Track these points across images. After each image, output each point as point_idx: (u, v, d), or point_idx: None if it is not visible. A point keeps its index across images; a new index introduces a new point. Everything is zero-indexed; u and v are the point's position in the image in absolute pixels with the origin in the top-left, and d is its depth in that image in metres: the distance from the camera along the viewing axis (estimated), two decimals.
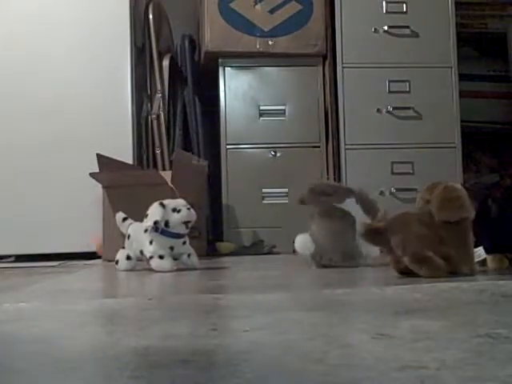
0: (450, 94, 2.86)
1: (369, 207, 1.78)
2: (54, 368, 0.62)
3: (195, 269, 1.79)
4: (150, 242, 1.75)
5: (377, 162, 2.80)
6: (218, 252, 2.67)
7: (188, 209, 1.76)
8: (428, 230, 1.38)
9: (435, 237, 1.38)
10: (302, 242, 1.74)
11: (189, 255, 1.80)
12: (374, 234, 1.44)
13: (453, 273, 1.37)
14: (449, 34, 2.87)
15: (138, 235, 1.79)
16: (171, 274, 1.71)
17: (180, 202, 1.78)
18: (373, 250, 1.76)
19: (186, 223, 1.76)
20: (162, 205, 1.75)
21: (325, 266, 1.75)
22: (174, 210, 1.75)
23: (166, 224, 1.74)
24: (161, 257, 1.74)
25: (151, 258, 1.75)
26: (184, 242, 1.79)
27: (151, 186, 2.12)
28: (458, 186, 1.43)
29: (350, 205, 1.79)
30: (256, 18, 2.86)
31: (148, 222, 1.75)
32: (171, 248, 1.76)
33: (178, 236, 1.77)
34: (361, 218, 1.76)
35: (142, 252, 1.78)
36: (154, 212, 1.74)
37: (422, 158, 2.82)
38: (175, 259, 1.79)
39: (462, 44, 3.09)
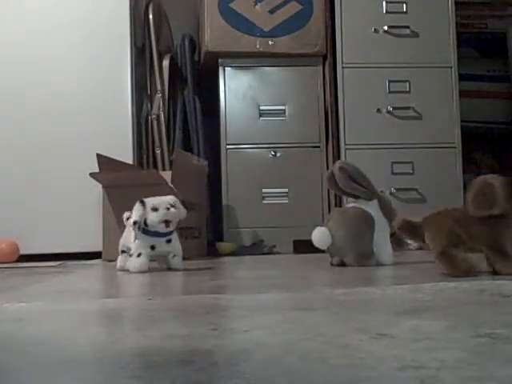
0: (450, 94, 2.86)
1: (390, 214, 1.79)
2: (53, 368, 0.62)
3: (177, 270, 1.78)
4: (135, 240, 1.77)
5: (377, 161, 2.80)
6: (218, 252, 2.67)
7: (167, 208, 1.74)
8: (459, 227, 1.36)
9: (465, 234, 1.35)
10: (321, 234, 1.74)
11: (174, 256, 1.79)
12: (410, 229, 1.45)
13: (492, 271, 1.36)
14: (449, 34, 2.87)
15: (128, 231, 1.82)
16: (171, 274, 1.71)
17: (162, 200, 1.77)
18: (387, 250, 1.77)
19: (165, 222, 1.74)
20: (142, 203, 1.75)
21: (337, 265, 1.77)
22: (153, 208, 1.74)
23: (146, 222, 1.75)
24: (139, 255, 1.75)
25: (131, 255, 1.76)
26: (168, 241, 1.78)
27: (151, 186, 2.11)
28: (494, 180, 1.34)
29: (372, 207, 1.79)
30: (256, 18, 2.86)
31: (130, 220, 1.77)
32: (152, 247, 1.76)
33: (158, 235, 1.76)
34: (380, 220, 1.77)
35: (129, 249, 1.80)
36: (135, 211, 1.75)
37: (422, 158, 2.82)
38: (162, 258, 1.80)
39: (462, 44, 3.09)
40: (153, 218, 1.73)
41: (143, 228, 1.75)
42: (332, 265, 1.79)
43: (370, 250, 1.75)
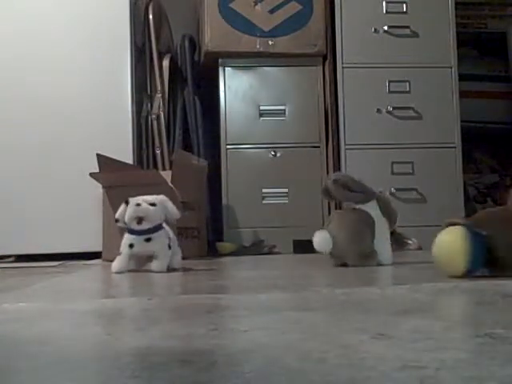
0: (449, 94, 2.86)
1: (389, 214, 1.80)
2: (53, 368, 0.62)
3: (154, 272, 1.72)
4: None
5: (377, 161, 2.80)
6: (218, 252, 2.67)
7: (137, 204, 1.70)
8: (506, 228, 1.31)
9: (510, 235, 1.29)
10: (321, 239, 1.74)
11: (156, 257, 1.73)
12: None
13: None
14: (449, 34, 2.88)
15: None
16: (170, 274, 1.70)
17: (140, 198, 1.73)
18: (387, 250, 1.77)
19: (137, 218, 1.69)
20: (126, 202, 1.73)
21: (339, 265, 1.77)
22: (131, 206, 1.71)
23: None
24: (121, 254, 1.74)
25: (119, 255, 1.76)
26: (147, 240, 1.71)
27: (151, 186, 2.11)
28: None
29: (372, 207, 1.79)
30: (256, 18, 2.86)
31: None
32: (130, 245, 1.72)
33: (136, 233, 1.71)
34: (380, 220, 1.77)
35: None
36: (119, 209, 1.74)
37: (422, 158, 2.82)
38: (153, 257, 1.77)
39: (461, 44, 3.09)
40: (127, 214, 1.70)
41: (127, 226, 1.73)
42: (335, 266, 1.79)
43: (371, 249, 1.75)
